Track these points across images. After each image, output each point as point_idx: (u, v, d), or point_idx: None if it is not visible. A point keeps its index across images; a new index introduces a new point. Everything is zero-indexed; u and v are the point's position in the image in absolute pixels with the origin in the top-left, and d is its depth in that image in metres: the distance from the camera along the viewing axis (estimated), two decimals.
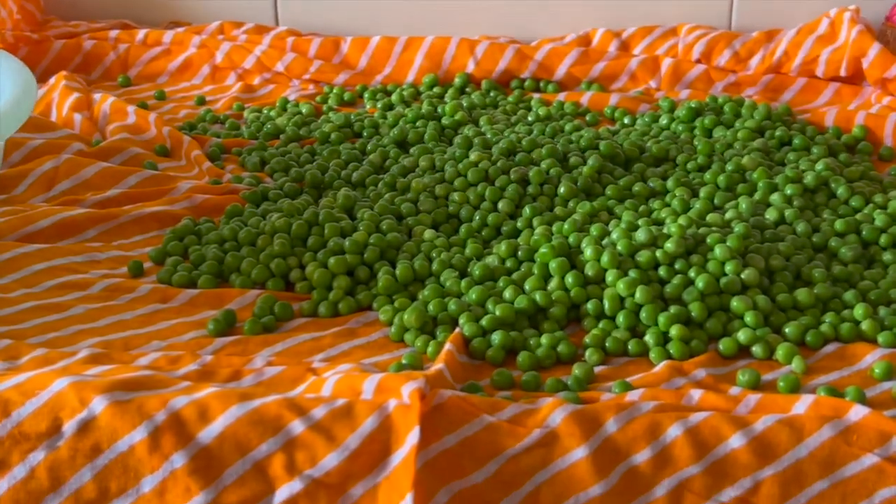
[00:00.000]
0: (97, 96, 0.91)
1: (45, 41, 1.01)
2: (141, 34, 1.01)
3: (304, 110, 0.92)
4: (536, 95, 0.95)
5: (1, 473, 0.53)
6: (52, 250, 0.71)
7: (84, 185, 0.79)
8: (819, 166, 0.76)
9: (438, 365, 0.57)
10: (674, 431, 0.53)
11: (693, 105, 0.87)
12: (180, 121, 0.92)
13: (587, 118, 0.91)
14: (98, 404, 0.53)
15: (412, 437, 0.52)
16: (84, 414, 0.53)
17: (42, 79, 0.97)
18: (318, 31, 1.03)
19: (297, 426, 0.53)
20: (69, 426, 0.53)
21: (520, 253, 0.67)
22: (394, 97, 0.95)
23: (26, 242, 0.72)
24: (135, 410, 0.53)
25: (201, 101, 0.96)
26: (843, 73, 0.93)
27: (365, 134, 0.87)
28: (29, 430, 0.53)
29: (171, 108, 0.95)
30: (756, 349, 0.61)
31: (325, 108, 0.94)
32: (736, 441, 0.52)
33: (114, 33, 1.01)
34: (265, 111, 0.93)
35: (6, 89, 0.68)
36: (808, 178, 0.74)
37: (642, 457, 0.52)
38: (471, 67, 0.97)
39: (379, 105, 0.94)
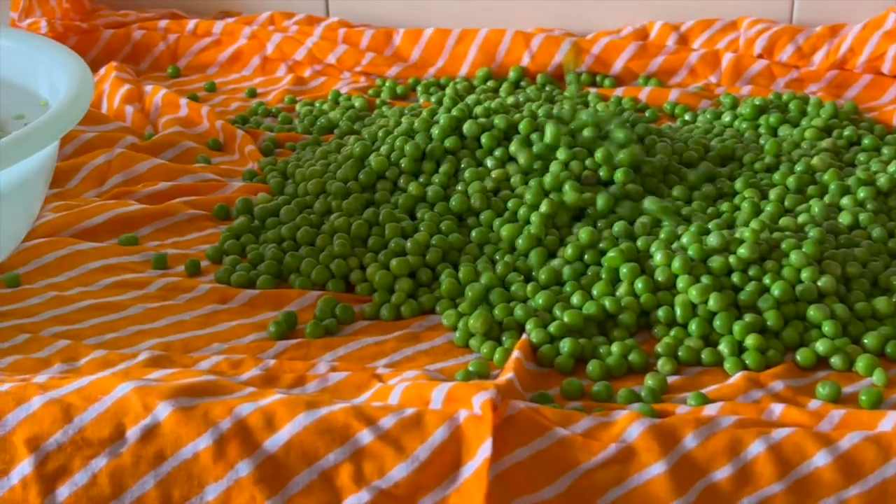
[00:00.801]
0: (148, 88, 0.90)
1: (95, 31, 1.00)
2: (191, 24, 1.00)
3: (356, 104, 0.91)
4: (593, 90, 0.93)
5: (62, 479, 0.52)
6: (109, 248, 0.69)
7: (136, 179, 0.78)
8: (892, 168, 0.74)
9: (508, 374, 0.56)
10: (756, 448, 0.51)
11: (757, 102, 0.85)
12: (231, 113, 0.91)
13: (646, 114, 0.89)
14: (162, 410, 0.52)
15: (484, 450, 0.51)
16: (148, 420, 0.52)
17: (91, 69, 0.95)
18: (369, 23, 1.02)
19: (365, 436, 0.51)
20: (133, 432, 0.52)
21: (587, 256, 0.65)
22: (447, 91, 0.93)
23: (81, 238, 0.70)
24: (200, 417, 0.52)
25: (252, 94, 0.95)
26: None
27: None
28: (91, 435, 0.52)
29: (222, 100, 0.94)
30: (835, 360, 0.59)
31: (377, 101, 0.92)
32: (820, 459, 0.51)
33: (163, 23, 1.00)
34: (318, 105, 0.91)
35: (62, 85, 0.67)
36: (881, 181, 0.72)
37: (722, 474, 0.51)
38: (526, 61, 0.96)
39: (433, 99, 0.92)
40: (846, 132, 0.80)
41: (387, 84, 0.95)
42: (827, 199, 0.71)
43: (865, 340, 0.60)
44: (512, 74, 0.95)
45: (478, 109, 0.75)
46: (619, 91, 0.93)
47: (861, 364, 0.58)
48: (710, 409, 0.54)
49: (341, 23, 1.01)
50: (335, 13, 1.04)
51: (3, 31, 0.76)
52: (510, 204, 0.70)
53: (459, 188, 0.71)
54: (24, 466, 0.52)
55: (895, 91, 0.90)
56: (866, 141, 0.79)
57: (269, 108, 0.92)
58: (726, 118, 0.85)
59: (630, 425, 0.52)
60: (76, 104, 0.64)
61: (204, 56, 0.99)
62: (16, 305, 0.64)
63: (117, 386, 0.53)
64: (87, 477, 0.52)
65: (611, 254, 0.64)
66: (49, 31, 0.97)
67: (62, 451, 0.52)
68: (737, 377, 0.58)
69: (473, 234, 0.68)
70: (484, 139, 0.73)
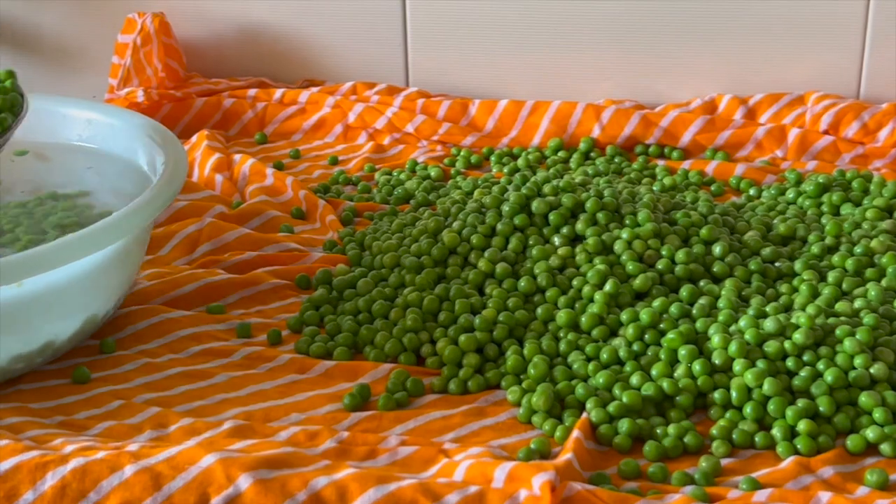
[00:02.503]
0: (237, 157, 0.95)
1: (188, 98, 1.06)
2: (278, 94, 1.05)
3: (432, 173, 0.95)
4: (661, 162, 0.96)
5: None
6: (197, 316, 0.74)
7: (224, 248, 0.83)
8: None
9: (567, 455, 0.59)
10: None
11: (821, 180, 0.87)
12: (314, 181, 0.96)
13: (712, 188, 0.92)
14: (244, 482, 0.56)
15: None
16: (230, 490, 0.56)
17: (183, 134, 1.02)
18: (447, 93, 1.06)
19: None
20: (216, 502, 0.56)
21: (647, 337, 0.68)
22: (520, 161, 0.97)
23: (172, 306, 0.75)
24: (278, 489, 0.56)
25: (334, 161, 0.99)
26: None
27: None
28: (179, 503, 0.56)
29: (306, 167, 0.99)
30: (885, 447, 0.61)
31: (452, 171, 0.96)
32: None
33: (252, 92, 1.06)
34: (395, 174, 0.96)
35: (158, 165, 0.72)
36: None
37: None
38: (596, 132, 0.99)
39: (505, 169, 0.96)
40: None
41: (462, 153, 0.99)
42: (884, 282, 0.73)
43: None
44: (582, 145, 0.99)
45: (546, 188, 0.79)
46: (686, 164, 0.95)
47: None
48: (760, 495, 0.56)
49: (420, 93, 1.05)
50: (414, 84, 1.08)
51: (110, 110, 0.82)
52: (575, 282, 0.73)
53: (527, 265, 0.75)
54: None
55: None
56: None
57: (350, 176, 0.96)
58: (790, 195, 0.88)
59: None
60: (170, 186, 0.69)
61: (289, 124, 1.04)
62: (111, 371, 0.69)
63: (203, 456, 0.57)
64: None
65: (670, 335, 0.67)
66: (145, 98, 1.03)
67: None
68: (788, 462, 0.60)
69: (539, 311, 0.72)
70: (552, 217, 0.77)
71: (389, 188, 0.93)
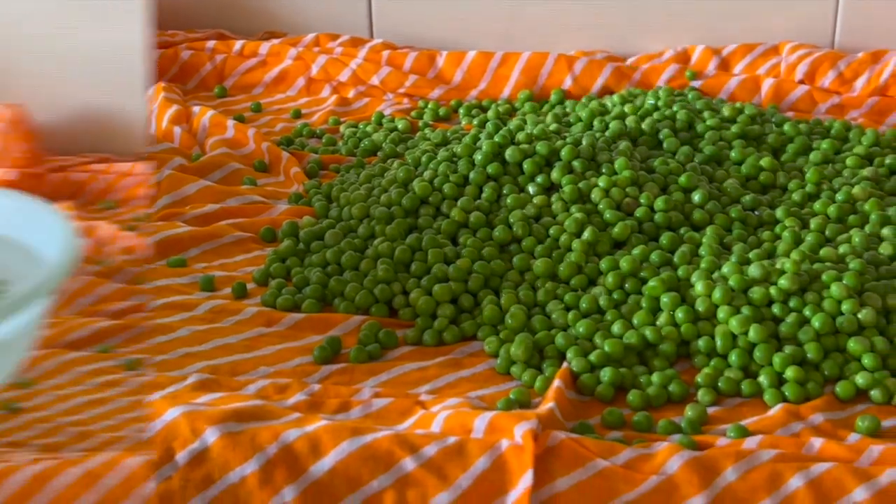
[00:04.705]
0: (196, 109, 0.92)
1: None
2: (238, 45, 1.01)
3: (399, 126, 0.92)
4: None
5: None
6: (158, 270, 0.71)
7: (184, 201, 0.80)
8: None
9: (549, 404, 0.56)
10: (795, 482, 0.51)
11: (801, 127, 0.85)
12: (277, 134, 0.92)
13: None
14: (211, 435, 0.53)
15: (526, 480, 0.52)
16: (196, 444, 0.53)
17: None
18: (413, 45, 1.03)
19: (408, 463, 0.53)
20: (182, 456, 0.53)
21: (627, 285, 0.66)
22: (489, 113, 0.94)
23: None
24: (247, 442, 0.53)
25: (297, 115, 0.96)
26: None
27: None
28: None
29: (268, 120, 0.95)
30: (874, 393, 0.59)
31: (420, 123, 0.93)
32: (859, 494, 0.51)
33: (211, 44, 1.02)
34: (361, 126, 0.93)
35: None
36: None
37: None
38: (568, 84, 0.96)
39: (475, 122, 0.93)
40: (888, 160, 0.81)
41: (429, 106, 0.96)
42: (868, 228, 0.72)
43: None
44: (553, 97, 0.96)
45: (520, 136, 0.76)
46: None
47: None
48: (749, 442, 0.55)
49: (385, 45, 1.02)
50: (379, 35, 1.05)
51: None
52: (552, 231, 0.71)
53: (501, 215, 0.72)
54: None
55: None
56: None
57: (314, 129, 0.93)
58: None
59: (671, 457, 0.52)
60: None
61: (250, 76, 1.01)
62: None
63: (167, 410, 0.54)
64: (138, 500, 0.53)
65: (652, 283, 0.65)
66: None
67: None
68: (776, 409, 0.58)
69: (515, 260, 0.69)
70: (526, 165, 0.74)
71: (356, 140, 0.90)
